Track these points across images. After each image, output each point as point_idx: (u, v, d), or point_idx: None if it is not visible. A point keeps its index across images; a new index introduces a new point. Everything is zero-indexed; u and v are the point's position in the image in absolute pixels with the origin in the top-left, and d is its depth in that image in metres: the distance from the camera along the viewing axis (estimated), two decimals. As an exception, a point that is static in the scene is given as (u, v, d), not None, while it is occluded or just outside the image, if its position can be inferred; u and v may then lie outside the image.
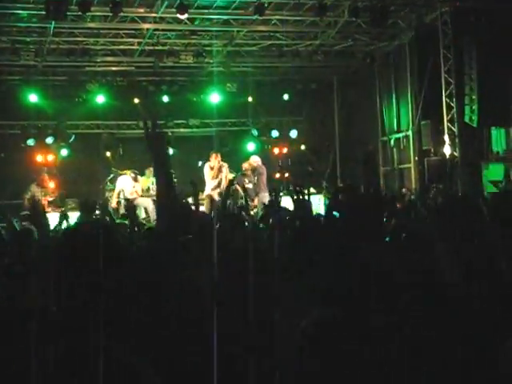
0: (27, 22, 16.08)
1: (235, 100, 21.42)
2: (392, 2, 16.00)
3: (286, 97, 21.46)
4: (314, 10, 15.76)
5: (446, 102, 16.53)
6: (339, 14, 16.54)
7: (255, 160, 17.82)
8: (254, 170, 17.56)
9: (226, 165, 17.07)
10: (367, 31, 18.01)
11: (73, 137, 20.51)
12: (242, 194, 17.29)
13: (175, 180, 19.31)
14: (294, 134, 22.12)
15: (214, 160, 16.84)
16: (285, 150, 22.07)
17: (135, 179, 17.68)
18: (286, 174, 21.30)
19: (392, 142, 19.84)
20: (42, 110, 19.89)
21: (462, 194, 12.96)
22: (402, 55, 18.84)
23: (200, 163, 18.22)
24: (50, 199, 17.98)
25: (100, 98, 20.10)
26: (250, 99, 21.40)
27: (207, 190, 16.85)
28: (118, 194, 17.76)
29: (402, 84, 19.03)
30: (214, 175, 16.77)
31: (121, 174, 18.29)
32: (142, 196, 17.62)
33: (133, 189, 17.61)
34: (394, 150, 19.77)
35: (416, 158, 18.34)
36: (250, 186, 17.71)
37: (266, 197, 16.87)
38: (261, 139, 22.17)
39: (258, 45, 18.84)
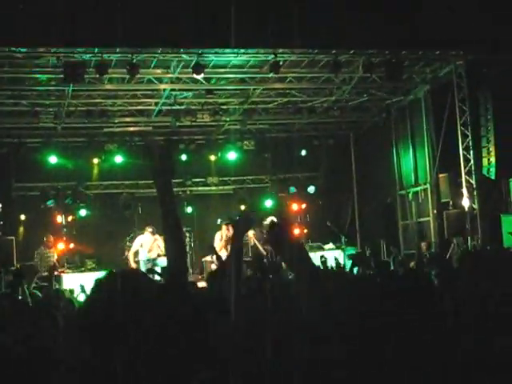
0: (46, 86, 16.35)
1: (252, 157, 21.52)
2: (406, 57, 16.10)
3: (303, 153, 21.53)
4: (329, 67, 15.88)
5: (463, 154, 16.52)
6: (354, 70, 16.67)
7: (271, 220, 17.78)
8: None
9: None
10: (382, 86, 18.12)
11: (91, 197, 20.66)
12: (262, 250, 17.31)
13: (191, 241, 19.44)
14: (311, 189, 22.13)
15: (225, 231, 16.89)
16: (303, 206, 22.06)
17: (153, 233, 17.61)
18: (305, 230, 21.24)
19: (410, 195, 19.79)
20: (61, 172, 20.07)
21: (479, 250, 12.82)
22: (417, 109, 18.90)
23: (219, 221, 18.24)
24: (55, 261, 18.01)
25: (118, 158, 20.26)
26: (266, 156, 21.49)
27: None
28: (135, 254, 17.74)
29: (418, 137, 19.05)
30: (222, 246, 16.80)
31: (139, 234, 18.31)
32: (159, 255, 17.59)
33: (153, 244, 17.54)
34: (413, 203, 19.71)
35: (435, 211, 18.26)
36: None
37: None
38: (279, 195, 22.19)
39: (273, 102, 19.01)
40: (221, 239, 16.89)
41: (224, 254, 16.89)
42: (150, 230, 17.60)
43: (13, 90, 16.55)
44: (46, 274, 16.93)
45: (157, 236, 17.54)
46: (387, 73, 16.10)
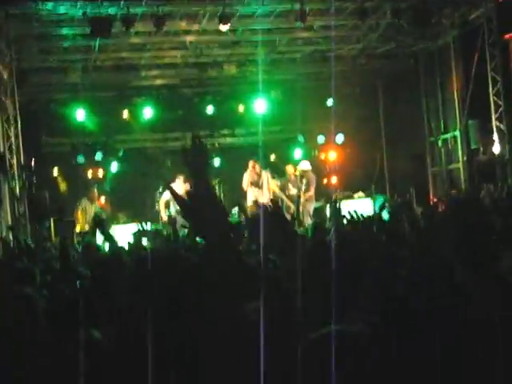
0: (73, 41, 16.37)
1: (280, 107, 21.44)
2: (434, 2, 15.88)
3: (329, 102, 21.40)
4: (356, 14, 15.74)
5: (493, 100, 16.36)
6: (381, 17, 16.49)
7: (304, 166, 17.77)
8: (302, 176, 17.53)
9: (267, 173, 17.11)
10: (410, 32, 17.90)
11: (121, 152, 20.79)
12: (288, 202, 17.38)
13: (220, 192, 19.59)
14: (340, 138, 22.06)
15: (253, 168, 16.95)
16: (332, 155, 22.02)
17: (184, 181, 17.60)
18: (334, 180, 21.25)
19: (440, 142, 19.68)
20: (90, 127, 20.19)
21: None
22: (446, 54, 18.68)
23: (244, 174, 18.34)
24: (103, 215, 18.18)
25: (146, 112, 20.30)
26: (294, 106, 21.39)
27: (249, 200, 16.95)
28: (166, 205, 17.78)
29: (447, 83, 18.87)
30: (252, 181, 16.84)
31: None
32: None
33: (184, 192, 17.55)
34: (442, 150, 19.61)
35: (465, 158, 18.17)
36: (294, 191, 17.72)
37: (312, 206, 16.94)
38: (307, 145, 22.16)
39: (300, 51, 18.87)
40: (251, 176, 16.96)
41: (251, 192, 17.04)
42: (181, 177, 17.61)
43: (40, 47, 16.62)
44: (88, 228, 17.18)
45: (188, 185, 17.61)
46: (415, 18, 15.89)
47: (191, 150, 3.48)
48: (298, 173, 17.76)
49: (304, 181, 17.43)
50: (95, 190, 18.24)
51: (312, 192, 17.38)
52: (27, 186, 14.94)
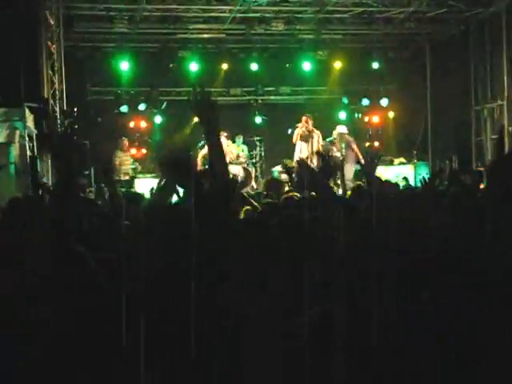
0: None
1: (326, 68, 21.27)
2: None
3: (375, 65, 21.18)
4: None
5: (542, 70, 16.06)
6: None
7: (341, 130, 17.69)
8: (340, 139, 17.47)
9: (318, 132, 17.08)
10: (462, -3, 17.58)
11: (165, 103, 20.87)
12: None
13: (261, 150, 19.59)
14: (384, 102, 21.86)
15: (305, 123, 16.91)
16: (375, 119, 21.84)
17: (227, 138, 17.67)
18: (376, 143, 21.13)
19: (485, 111, 19.38)
20: (135, 77, 20.27)
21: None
22: (497, 22, 18.26)
23: (290, 131, 18.28)
24: (133, 166, 18.33)
25: (192, 65, 20.29)
26: (340, 67, 21.19)
27: (296, 154, 16.95)
28: (204, 158, 17.85)
29: (497, 53, 18.50)
30: (302, 136, 16.82)
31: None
32: (231, 163, 17.72)
33: (226, 149, 17.63)
34: (488, 119, 19.32)
35: (510, 128, 17.87)
36: (338, 154, 17.66)
37: (352, 169, 16.88)
38: (351, 107, 22.01)
39: (349, 12, 18.61)
40: (302, 131, 16.96)
41: (298, 145, 17.03)
42: (224, 134, 17.65)
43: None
44: (126, 178, 17.43)
45: (230, 142, 17.67)
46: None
47: (197, 103, 3.42)
48: (335, 136, 17.65)
49: (342, 144, 17.36)
50: (125, 141, 18.34)
51: (351, 154, 17.27)
52: (69, 132, 15.05)
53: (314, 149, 16.81)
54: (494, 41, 18.66)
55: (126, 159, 18.21)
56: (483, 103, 19.43)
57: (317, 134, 17.07)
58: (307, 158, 16.30)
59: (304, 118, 17.08)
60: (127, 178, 17.90)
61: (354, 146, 17.31)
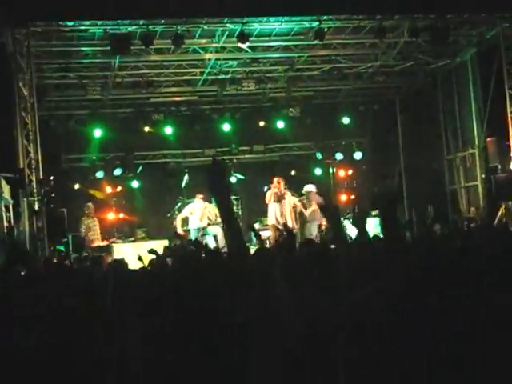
0: (93, 58, 16.56)
1: (298, 124, 21.48)
2: (451, 21, 15.89)
3: (346, 120, 21.41)
4: (374, 33, 15.79)
5: (510, 118, 16.32)
6: (399, 35, 16.52)
7: (309, 188, 17.80)
8: (308, 197, 17.63)
9: (289, 193, 17.13)
10: (428, 50, 17.94)
11: (140, 168, 20.91)
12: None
13: (238, 208, 19.64)
14: (358, 155, 22.08)
15: (277, 184, 16.97)
16: (350, 173, 22.04)
17: (203, 200, 17.68)
18: (352, 197, 21.27)
19: (458, 160, 19.64)
20: (109, 143, 20.32)
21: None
22: (464, 72, 18.67)
23: (265, 188, 18.36)
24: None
25: (165, 128, 20.42)
26: (312, 123, 21.40)
27: (270, 217, 16.99)
28: (184, 221, 17.85)
29: (465, 101, 18.84)
30: (274, 199, 16.89)
31: (188, 203, 18.46)
32: (209, 224, 17.72)
33: (204, 211, 17.63)
34: (460, 168, 19.56)
35: (483, 176, 18.10)
36: (314, 207, 17.75)
37: (314, 225, 17.11)
38: (326, 162, 22.18)
39: (319, 69, 18.93)
40: (272, 193, 17.00)
41: (272, 206, 17.05)
42: (200, 196, 17.69)
43: (60, 63, 16.80)
44: (101, 244, 17.32)
45: (207, 204, 17.69)
46: (433, 37, 15.94)
47: (211, 169, 3.65)
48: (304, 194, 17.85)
49: (308, 202, 17.52)
50: (91, 205, 18.25)
51: (312, 210, 17.38)
52: (45, 201, 15.02)
53: (286, 209, 16.89)
54: (461, 90, 19.01)
55: (94, 224, 18.08)
56: (455, 152, 19.71)
57: (288, 195, 17.14)
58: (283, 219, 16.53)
59: (276, 180, 17.15)
60: (105, 243, 17.79)
61: (312, 207, 17.46)
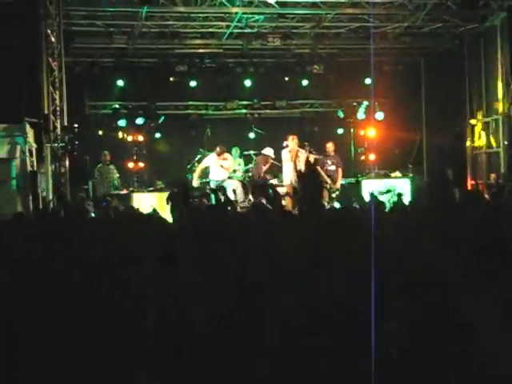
0: (120, 7, 16.54)
1: (322, 82, 21.43)
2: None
3: (369, 80, 21.32)
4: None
5: (537, 85, 16.23)
6: (429, -4, 16.40)
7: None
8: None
9: (303, 151, 17.11)
10: (457, 13, 17.76)
11: (162, 118, 20.99)
12: (325, 176, 17.45)
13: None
14: (380, 116, 22.00)
15: (291, 142, 16.98)
16: (371, 133, 22.00)
17: (222, 153, 17.71)
18: (372, 157, 21.26)
19: (481, 124, 19.55)
20: (133, 92, 20.41)
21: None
22: (492, 37, 18.48)
23: (285, 144, 18.37)
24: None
25: (189, 80, 20.44)
26: (336, 81, 21.33)
27: (286, 177, 17.03)
28: (201, 174, 17.90)
29: (491, 66, 18.68)
30: (291, 158, 16.90)
31: (208, 155, 18.52)
32: (229, 177, 17.81)
33: (221, 164, 17.70)
34: (483, 133, 19.48)
35: (506, 142, 18.04)
36: (332, 167, 17.76)
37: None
38: (347, 121, 22.16)
39: (345, 27, 18.82)
40: (289, 152, 17.05)
41: (287, 165, 17.11)
42: (218, 150, 17.73)
43: (88, 11, 16.80)
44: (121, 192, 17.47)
45: (226, 155, 17.77)
46: (463, 0, 15.79)
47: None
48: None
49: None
50: (107, 153, 18.32)
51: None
52: (69, 148, 15.18)
53: (301, 167, 16.91)
54: (488, 55, 18.85)
55: (110, 172, 18.20)
56: (478, 117, 19.61)
57: (302, 153, 17.11)
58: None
59: (290, 137, 17.14)
60: (125, 192, 17.91)
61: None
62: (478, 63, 19.43)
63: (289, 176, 16.90)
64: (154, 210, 9.86)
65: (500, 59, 18.10)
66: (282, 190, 15.95)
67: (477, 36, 19.25)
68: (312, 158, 17.55)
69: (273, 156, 17.69)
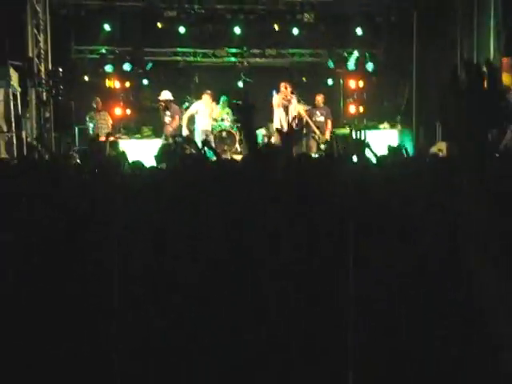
0: None
1: (312, 31, 21.16)
2: None
3: (359, 31, 21.05)
4: None
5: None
6: None
7: (164, 95, 17.52)
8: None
9: (295, 99, 17.01)
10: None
11: (150, 65, 20.71)
12: (313, 127, 17.39)
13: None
14: (370, 67, 21.78)
15: (284, 89, 16.85)
16: (361, 83, 21.79)
17: (211, 99, 17.57)
18: (361, 108, 21.12)
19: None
20: (120, 37, 20.09)
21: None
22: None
23: (274, 92, 18.22)
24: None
25: (177, 26, 20.13)
26: (326, 30, 21.05)
27: (275, 123, 16.92)
28: (190, 120, 17.71)
29: (484, 17, 18.46)
30: (281, 103, 16.78)
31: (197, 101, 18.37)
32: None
33: (211, 110, 17.55)
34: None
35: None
36: (321, 118, 17.71)
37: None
38: (337, 71, 21.95)
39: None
40: (278, 98, 16.91)
41: (277, 112, 16.98)
42: (208, 93, 17.55)
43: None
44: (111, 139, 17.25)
45: (214, 104, 17.62)
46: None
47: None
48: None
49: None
50: (98, 100, 18.05)
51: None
52: (54, 92, 14.97)
53: (293, 114, 16.80)
54: (481, 5, 18.61)
55: (102, 119, 17.93)
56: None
57: (294, 102, 17.03)
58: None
59: (283, 85, 17.03)
60: (112, 139, 17.71)
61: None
62: (470, 13, 19.18)
63: (278, 122, 16.80)
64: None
65: (493, 9, 17.87)
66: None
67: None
68: (301, 108, 17.47)
69: (171, 98, 17.42)
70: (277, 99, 16.95)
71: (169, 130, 16.89)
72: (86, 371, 3.50)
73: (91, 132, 17.32)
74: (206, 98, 17.52)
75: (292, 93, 17.01)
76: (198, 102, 17.83)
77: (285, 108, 16.85)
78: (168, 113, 17.14)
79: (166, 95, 17.39)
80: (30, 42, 14.75)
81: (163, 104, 17.08)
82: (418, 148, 17.47)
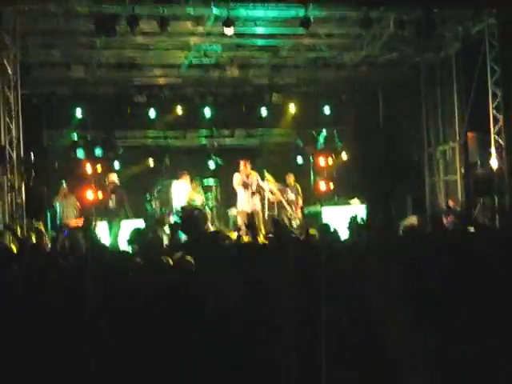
0: (77, 37, 16.45)
1: (280, 111, 21.49)
2: (438, 15, 15.95)
3: (328, 109, 21.41)
4: (360, 23, 15.79)
5: (492, 114, 16.44)
6: (385, 27, 16.55)
7: (112, 178, 17.69)
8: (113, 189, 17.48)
9: (255, 173, 17.17)
10: (413, 43, 17.96)
11: (121, 149, 20.84)
12: (286, 204, 17.61)
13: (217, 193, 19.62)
14: (338, 144, 22.12)
15: (244, 168, 17.00)
16: (330, 161, 22.07)
17: (190, 181, 17.85)
18: (331, 185, 21.33)
19: (438, 153, 19.78)
20: (91, 123, 20.25)
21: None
22: (448, 66, 18.78)
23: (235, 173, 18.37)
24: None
25: (147, 111, 20.35)
26: (294, 111, 21.37)
27: (240, 203, 16.96)
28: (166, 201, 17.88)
29: (447, 96, 18.95)
30: (242, 181, 16.89)
31: (167, 184, 18.50)
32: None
33: (192, 192, 17.75)
34: (440, 161, 19.71)
35: (462, 171, 18.25)
36: (292, 196, 17.96)
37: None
38: (306, 150, 22.22)
39: (303, 57, 18.93)
40: (239, 178, 17.02)
41: (240, 191, 17.04)
42: (187, 176, 17.77)
43: (45, 42, 16.67)
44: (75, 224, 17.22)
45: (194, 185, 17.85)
46: (418, 30, 15.96)
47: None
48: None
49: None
50: (64, 185, 18.13)
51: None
52: (26, 179, 14.98)
53: (253, 189, 16.91)
54: (444, 84, 19.11)
55: (69, 204, 18.00)
56: (436, 145, 19.84)
57: (255, 176, 17.19)
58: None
59: (242, 163, 17.19)
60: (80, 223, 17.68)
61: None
62: (434, 92, 19.70)
63: (242, 201, 16.89)
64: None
65: (456, 88, 18.35)
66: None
67: (433, 65, 19.55)
68: (273, 186, 17.65)
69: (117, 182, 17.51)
70: (238, 178, 17.05)
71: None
72: None
73: (58, 216, 17.40)
74: (186, 177, 17.81)
75: (252, 169, 17.14)
76: (178, 181, 18.05)
77: (245, 186, 16.91)
78: (113, 196, 17.20)
79: (112, 178, 17.52)
80: (1, 129, 14.80)
81: (111, 187, 17.19)
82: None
